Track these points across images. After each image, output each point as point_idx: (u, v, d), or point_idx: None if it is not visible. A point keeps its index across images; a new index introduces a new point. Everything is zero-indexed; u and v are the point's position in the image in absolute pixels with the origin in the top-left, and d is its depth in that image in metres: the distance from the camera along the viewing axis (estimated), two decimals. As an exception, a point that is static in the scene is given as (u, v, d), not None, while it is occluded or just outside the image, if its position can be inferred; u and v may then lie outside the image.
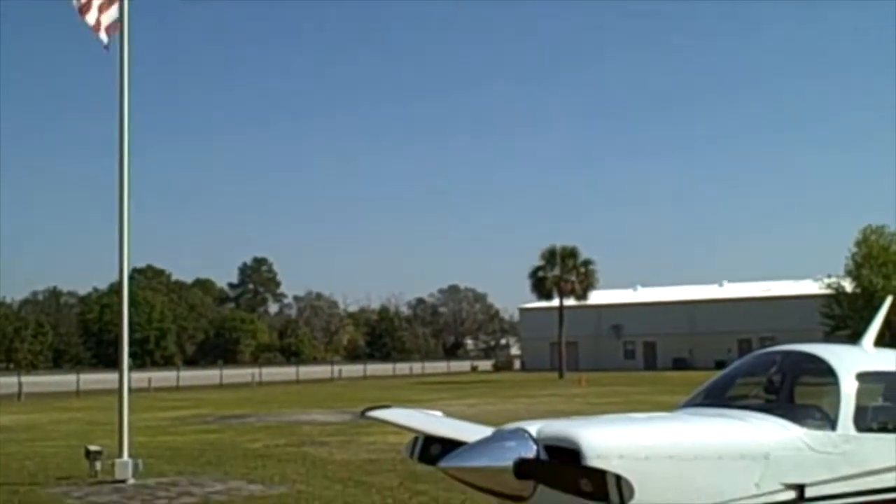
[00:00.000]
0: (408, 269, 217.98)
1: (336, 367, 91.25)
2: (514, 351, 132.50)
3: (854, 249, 72.49)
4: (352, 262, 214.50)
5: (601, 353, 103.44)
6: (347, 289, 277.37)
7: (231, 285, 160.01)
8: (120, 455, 19.35)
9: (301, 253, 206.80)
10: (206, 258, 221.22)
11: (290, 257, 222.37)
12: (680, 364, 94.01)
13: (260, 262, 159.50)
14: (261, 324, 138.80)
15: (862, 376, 8.22)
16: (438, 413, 13.34)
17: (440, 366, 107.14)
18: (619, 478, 6.25)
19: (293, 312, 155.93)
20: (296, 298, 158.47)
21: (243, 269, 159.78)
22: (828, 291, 73.56)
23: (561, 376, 77.72)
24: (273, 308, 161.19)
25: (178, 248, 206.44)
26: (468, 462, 6.91)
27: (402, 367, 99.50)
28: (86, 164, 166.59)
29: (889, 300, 11.95)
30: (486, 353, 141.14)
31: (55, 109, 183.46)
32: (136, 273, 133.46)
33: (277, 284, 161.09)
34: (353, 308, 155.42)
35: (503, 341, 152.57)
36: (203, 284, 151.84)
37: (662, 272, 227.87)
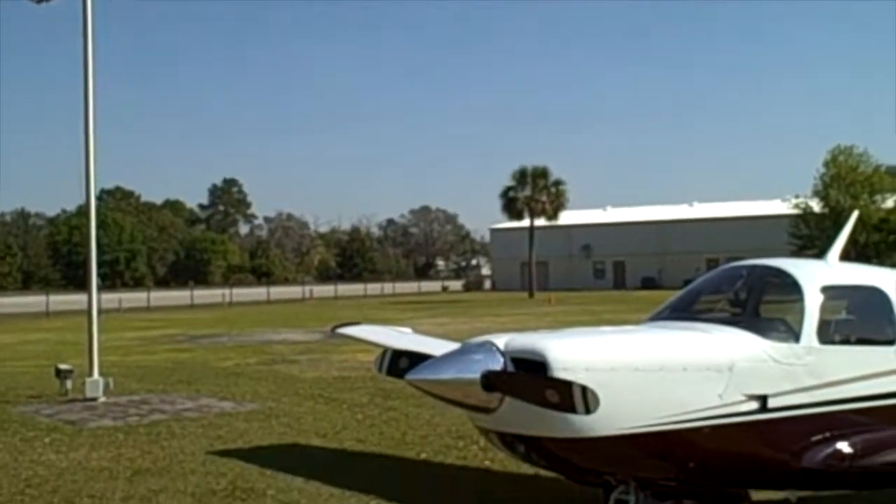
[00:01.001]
0: (379, 190, 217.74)
1: (307, 288, 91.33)
2: (485, 271, 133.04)
3: (823, 170, 72.92)
4: (322, 183, 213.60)
5: (571, 273, 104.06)
6: (318, 210, 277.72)
7: (201, 206, 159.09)
8: (90, 374, 19.38)
9: (271, 174, 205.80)
10: (175, 179, 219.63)
11: (260, 178, 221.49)
12: (649, 283, 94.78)
13: (230, 183, 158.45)
14: (231, 245, 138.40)
15: (826, 290, 8.30)
16: (407, 330, 13.45)
17: (411, 286, 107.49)
18: (584, 388, 6.31)
19: (264, 233, 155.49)
20: (266, 219, 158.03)
21: (213, 191, 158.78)
22: (796, 212, 74.05)
23: (531, 296, 78.23)
24: (244, 229, 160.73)
25: (148, 169, 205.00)
26: (436, 375, 6.95)
27: (374, 288, 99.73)
28: (53, 86, 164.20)
29: (855, 215, 12.06)
30: (457, 274, 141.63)
31: (19, 31, 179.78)
32: (104, 194, 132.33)
33: (248, 205, 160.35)
34: (323, 229, 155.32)
35: (474, 262, 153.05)
36: (173, 206, 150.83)
37: (633, 192, 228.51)
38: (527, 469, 11.11)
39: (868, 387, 8.12)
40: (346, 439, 14.73)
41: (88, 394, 18.90)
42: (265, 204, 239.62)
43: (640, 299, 60.54)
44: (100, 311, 20.74)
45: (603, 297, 71.89)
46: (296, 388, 20.91)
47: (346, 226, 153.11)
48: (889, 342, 8.44)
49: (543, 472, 9.83)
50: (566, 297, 71.63)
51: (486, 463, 12.66)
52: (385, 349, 8.56)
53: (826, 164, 72.69)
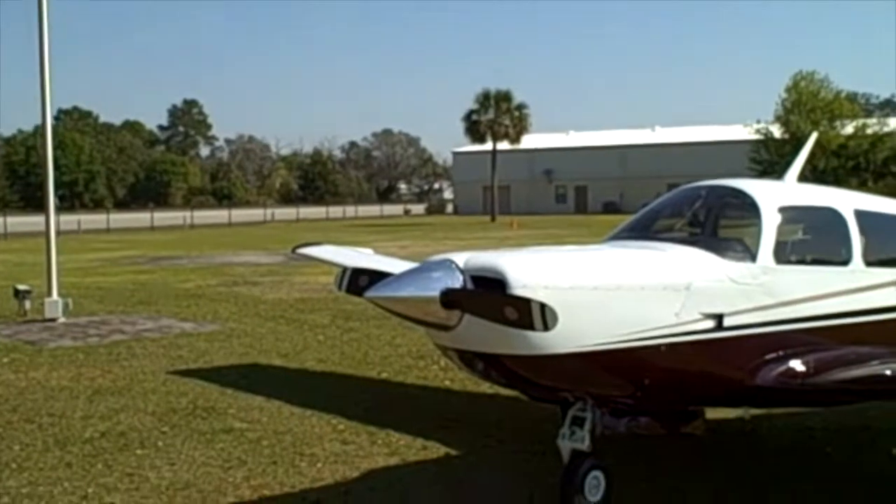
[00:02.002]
0: (341, 113, 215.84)
1: (269, 211, 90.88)
2: (448, 195, 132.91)
3: (784, 95, 73.00)
4: (284, 105, 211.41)
5: (533, 197, 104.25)
6: (280, 132, 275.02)
7: (161, 128, 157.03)
8: (49, 294, 19.25)
9: (232, 95, 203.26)
10: (134, 100, 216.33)
11: (220, 100, 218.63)
12: (610, 207, 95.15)
13: (190, 104, 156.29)
14: (192, 167, 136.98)
15: (783, 211, 8.35)
16: (369, 251, 13.43)
17: (373, 209, 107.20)
18: (543, 305, 6.33)
19: (225, 156, 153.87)
20: (227, 141, 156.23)
21: (173, 112, 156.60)
22: (757, 137, 74.29)
23: (493, 220, 78.38)
24: (204, 151, 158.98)
25: (106, 89, 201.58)
26: (395, 292, 6.93)
27: (336, 211, 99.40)
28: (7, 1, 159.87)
29: (813, 137, 12.12)
30: (420, 197, 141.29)
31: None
32: (62, 114, 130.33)
33: (208, 127, 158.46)
34: (285, 151, 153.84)
35: (436, 185, 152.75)
36: (132, 127, 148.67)
37: (595, 117, 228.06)
38: (486, 388, 11.25)
39: (822, 306, 8.23)
40: (307, 359, 14.79)
41: (47, 314, 18.80)
42: (226, 126, 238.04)
43: (602, 223, 60.70)
44: (58, 232, 20.59)
45: (565, 222, 72.16)
46: (257, 309, 20.92)
47: (308, 148, 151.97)
48: (844, 262, 8.55)
49: (503, 391, 9.95)
50: (528, 222, 71.83)
51: (447, 383, 12.77)
52: (345, 267, 8.53)
53: (788, 90, 72.73)
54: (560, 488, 7.55)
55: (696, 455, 9.21)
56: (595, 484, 7.49)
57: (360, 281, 8.02)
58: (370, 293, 7.08)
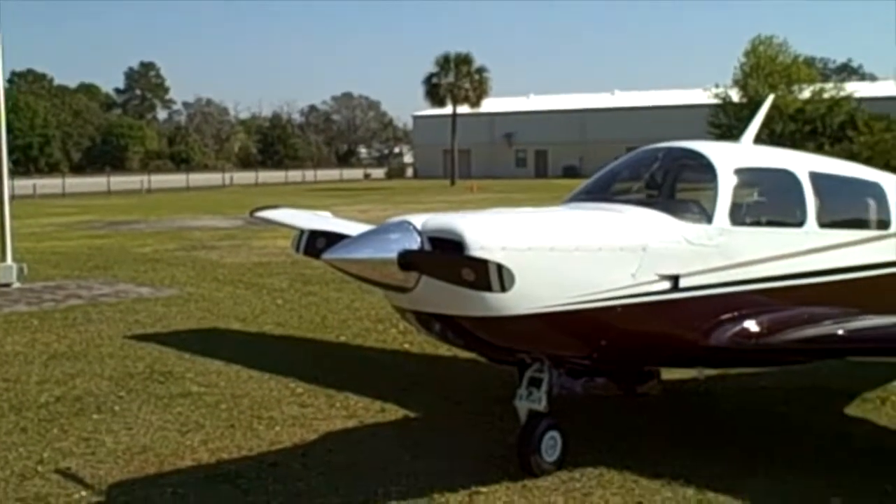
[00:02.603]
0: (300, 76, 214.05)
1: (227, 175, 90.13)
2: (408, 159, 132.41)
3: (743, 60, 73.29)
4: (242, 68, 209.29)
5: (493, 161, 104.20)
6: (238, 95, 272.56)
7: (117, 91, 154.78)
8: (3, 259, 19.00)
9: (190, 58, 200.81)
10: (89, 63, 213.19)
11: (178, 63, 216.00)
12: (570, 172, 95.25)
13: (147, 66, 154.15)
14: (149, 130, 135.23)
15: (739, 172, 8.40)
16: (327, 214, 13.39)
17: (333, 173, 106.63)
18: (500, 267, 6.33)
19: (183, 119, 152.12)
20: (185, 105, 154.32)
21: (129, 75, 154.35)
22: (716, 101, 74.60)
23: (453, 183, 78.34)
24: (162, 115, 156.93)
25: (60, 51, 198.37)
26: (352, 254, 6.90)
27: (295, 175, 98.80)
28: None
29: (770, 99, 12.17)
30: (380, 161, 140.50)
31: None
32: (15, 77, 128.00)
33: (166, 90, 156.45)
34: (244, 115, 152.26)
35: (396, 149, 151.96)
36: (88, 90, 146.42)
37: (555, 81, 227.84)
38: (445, 350, 11.30)
39: (777, 267, 8.32)
40: (265, 323, 14.75)
41: (1, 280, 18.56)
42: (184, 89, 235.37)
43: (561, 187, 60.73)
44: (12, 197, 20.30)
45: (524, 186, 72.25)
46: (215, 273, 20.80)
47: (266, 112, 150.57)
48: (798, 224, 8.62)
49: (461, 353, 9.98)
50: (488, 185, 71.85)
51: (405, 345, 12.79)
52: (302, 230, 8.49)
53: (746, 54, 73.00)
54: (517, 448, 7.62)
55: (651, 415, 9.30)
56: (552, 444, 7.57)
57: (317, 243, 8.00)
58: (327, 255, 7.06)
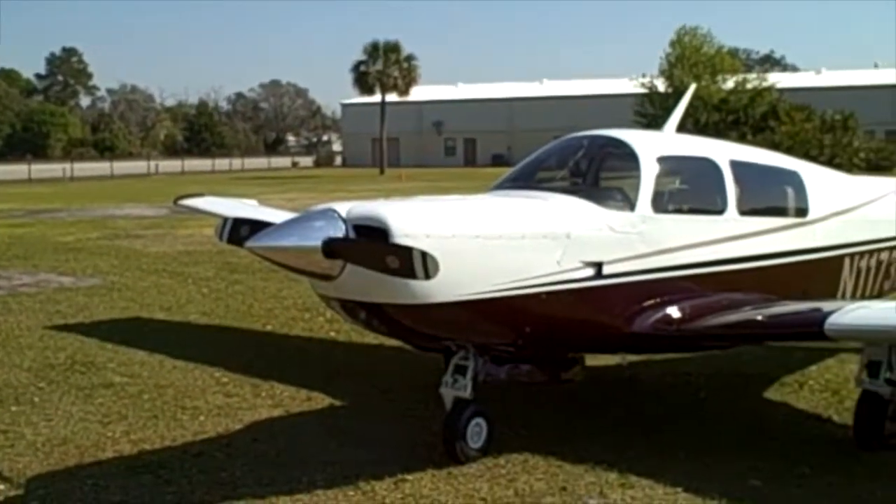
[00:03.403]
0: (227, 63, 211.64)
1: (152, 163, 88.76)
2: (336, 147, 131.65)
3: (668, 50, 74.13)
4: (168, 54, 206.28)
5: (422, 150, 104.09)
6: (164, 82, 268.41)
7: (38, 76, 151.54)
8: (-82, 248, 18.52)
9: (114, 43, 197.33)
10: (8, 47, 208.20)
11: (101, 48, 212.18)
12: (499, 160, 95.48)
13: (69, 52, 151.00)
14: (72, 117, 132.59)
15: (662, 160, 8.51)
16: (253, 202, 13.27)
17: (261, 161, 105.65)
18: (424, 254, 6.35)
19: (106, 106, 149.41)
20: (109, 91, 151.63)
21: (51, 60, 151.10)
22: (642, 91, 75.38)
23: (382, 172, 78.11)
24: (85, 101, 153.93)
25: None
26: (276, 241, 6.86)
27: (222, 163, 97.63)
28: None
29: (692, 89, 12.36)
30: (308, 150, 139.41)
31: None
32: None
33: (89, 76, 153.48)
34: (170, 102, 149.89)
35: (325, 137, 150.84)
36: (7, 75, 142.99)
37: (484, 69, 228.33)
38: (372, 339, 11.28)
39: (698, 254, 8.45)
40: (190, 313, 14.59)
41: (-83, 269, 18.11)
42: (107, 75, 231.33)
43: (490, 176, 60.74)
44: (-73, 184, 19.76)
45: (453, 174, 72.30)
46: (139, 262, 20.52)
47: (193, 99, 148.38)
48: (719, 212, 8.76)
49: (388, 341, 9.97)
50: (417, 174, 71.75)
51: (332, 334, 12.76)
52: (226, 217, 8.41)
53: (672, 45, 73.85)
54: (443, 435, 7.65)
55: (576, 401, 9.39)
56: (477, 430, 7.62)
57: (241, 231, 7.94)
58: (250, 243, 7.01)
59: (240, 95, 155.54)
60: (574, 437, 8.29)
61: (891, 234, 10.62)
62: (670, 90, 70.52)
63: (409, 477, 7.33)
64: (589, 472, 7.42)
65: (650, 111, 71.93)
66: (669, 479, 7.25)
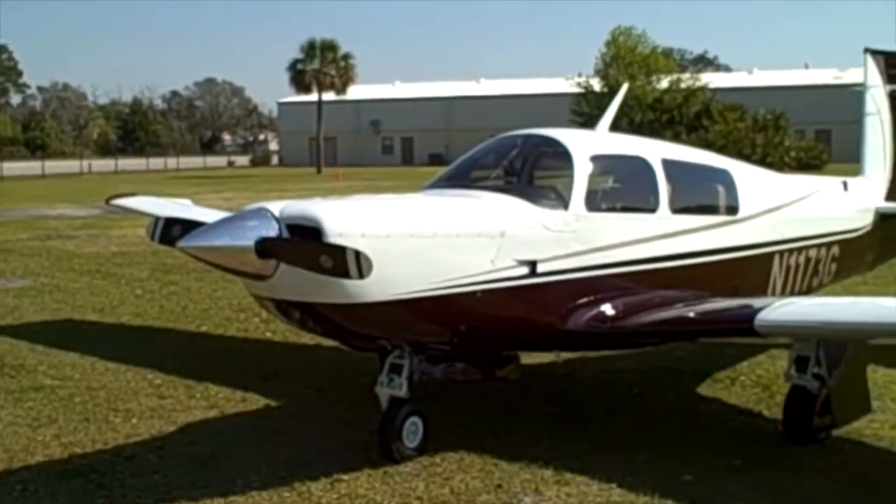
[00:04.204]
0: (161, 60, 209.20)
1: (85, 162, 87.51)
2: (273, 146, 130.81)
3: (604, 50, 74.84)
4: (101, 52, 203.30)
5: (360, 149, 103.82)
6: (97, 80, 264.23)
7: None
8: None
9: (45, 41, 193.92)
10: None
11: (32, 45, 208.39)
12: (436, 159, 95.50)
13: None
14: (2, 116, 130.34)
15: (595, 159, 8.56)
16: (187, 202, 13.14)
17: (196, 161, 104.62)
18: (358, 253, 6.34)
19: (38, 104, 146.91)
20: (40, 89, 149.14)
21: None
22: (578, 90, 75.96)
23: (319, 171, 77.84)
24: (15, 99, 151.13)
25: None
26: (208, 241, 6.80)
27: (157, 163, 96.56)
28: None
29: (624, 88, 12.47)
30: (244, 149, 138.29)
31: None
32: None
33: (19, 74, 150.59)
34: (103, 100, 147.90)
35: (262, 136, 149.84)
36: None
37: (421, 68, 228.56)
38: (308, 339, 11.23)
39: (631, 252, 8.52)
40: (123, 314, 14.41)
41: None
42: (38, 73, 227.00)
43: (427, 175, 60.61)
44: None
45: (391, 173, 72.16)
46: (71, 263, 20.21)
47: (127, 97, 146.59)
48: (651, 210, 8.84)
49: (324, 342, 9.92)
50: (355, 173, 71.59)
51: (268, 334, 12.68)
52: (158, 217, 8.32)
53: (607, 45, 74.56)
54: (379, 435, 7.64)
55: (511, 399, 9.43)
56: (413, 429, 7.62)
57: (172, 231, 7.87)
58: (182, 243, 6.95)
59: (175, 94, 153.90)
60: (509, 435, 8.32)
61: (819, 231, 10.82)
62: (606, 89, 71.13)
63: (345, 477, 7.31)
64: (524, 470, 7.46)
65: (586, 110, 72.45)
66: (604, 475, 7.31)
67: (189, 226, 7.65)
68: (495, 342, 8.09)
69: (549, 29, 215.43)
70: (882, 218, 11.89)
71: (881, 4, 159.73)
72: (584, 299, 8.11)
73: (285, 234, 6.77)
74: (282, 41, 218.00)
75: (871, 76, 12.95)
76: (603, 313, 8.15)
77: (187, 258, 7.56)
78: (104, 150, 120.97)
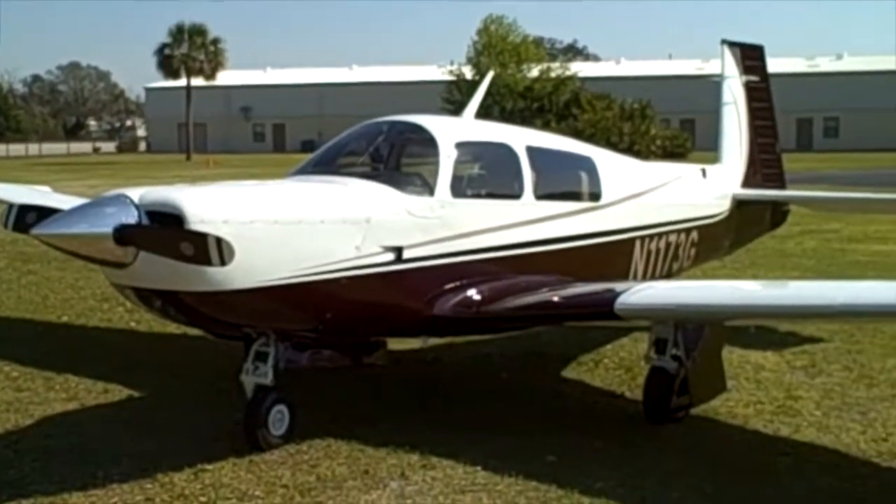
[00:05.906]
0: (22, 43, 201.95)
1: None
2: (141, 132, 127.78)
3: (476, 38, 75.33)
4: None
5: (230, 136, 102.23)
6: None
7: None
8: None
9: None
10: None
11: None
12: (308, 146, 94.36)
13: None
14: None
15: (460, 146, 8.61)
16: (46, 188, 12.73)
17: (60, 147, 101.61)
18: (219, 240, 6.26)
19: None
20: None
21: None
22: (450, 78, 76.33)
23: (189, 158, 76.41)
24: None
25: None
26: (65, 229, 6.62)
27: (17, 149, 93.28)
28: None
29: (490, 76, 12.59)
30: (111, 135, 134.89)
31: None
32: None
33: None
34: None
35: (129, 122, 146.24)
36: None
37: (293, 54, 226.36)
38: (173, 329, 11.03)
39: (497, 238, 8.61)
40: (-24, 305, 13.90)
41: None
42: None
43: (299, 162, 60.41)
44: None
45: (262, 160, 71.19)
46: (-78, 253, 19.38)
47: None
48: (516, 196, 8.94)
49: (190, 331, 9.79)
50: (225, 160, 70.39)
51: (132, 324, 12.42)
52: (11, 204, 8.04)
53: (479, 33, 75.09)
54: (244, 423, 7.57)
55: (379, 385, 9.45)
56: (279, 418, 7.59)
57: (27, 218, 7.62)
58: (37, 230, 6.75)
59: (36, 78, 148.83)
60: (377, 421, 8.34)
61: (679, 217, 11.12)
62: (477, 78, 71.48)
63: (210, 466, 7.22)
64: (391, 455, 7.49)
65: (458, 98, 72.77)
66: (469, 458, 7.40)
67: (46, 213, 7.41)
68: (362, 329, 8.08)
69: (422, 17, 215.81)
70: (738, 204, 12.28)
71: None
72: (451, 285, 8.17)
73: (145, 221, 6.63)
74: (150, 26, 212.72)
75: (728, 67, 13.33)
76: (469, 298, 8.22)
77: (48, 247, 7.34)
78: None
